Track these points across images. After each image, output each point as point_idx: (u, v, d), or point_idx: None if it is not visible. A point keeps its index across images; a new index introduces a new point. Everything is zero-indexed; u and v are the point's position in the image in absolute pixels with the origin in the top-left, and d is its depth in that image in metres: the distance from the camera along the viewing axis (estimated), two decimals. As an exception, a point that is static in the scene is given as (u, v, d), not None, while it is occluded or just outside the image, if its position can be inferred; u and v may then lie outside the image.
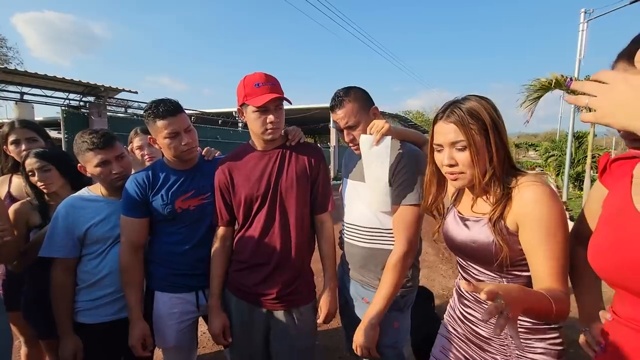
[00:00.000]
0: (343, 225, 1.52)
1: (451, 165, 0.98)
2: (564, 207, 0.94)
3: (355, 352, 1.33)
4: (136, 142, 2.13)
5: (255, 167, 1.41)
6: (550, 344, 0.97)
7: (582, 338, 0.90)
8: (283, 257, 1.39)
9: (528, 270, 0.95)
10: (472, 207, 1.04)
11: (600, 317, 0.87)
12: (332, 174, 13.69)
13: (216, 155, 1.69)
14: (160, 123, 1.40)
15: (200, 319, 1.66)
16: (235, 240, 1.48)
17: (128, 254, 1.45)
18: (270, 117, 1.34)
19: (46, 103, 8.27)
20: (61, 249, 1.44)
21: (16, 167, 1.84)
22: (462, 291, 1.14)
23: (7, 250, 1.36)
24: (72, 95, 8.37)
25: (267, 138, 1.38)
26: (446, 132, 0.97)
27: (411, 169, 1.29)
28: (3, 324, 1.35)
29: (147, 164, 2.04)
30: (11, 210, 1.57)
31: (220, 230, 1.48)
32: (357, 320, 1.38)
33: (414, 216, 1.28)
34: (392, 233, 1.34)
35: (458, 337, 1.14)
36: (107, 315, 1.50)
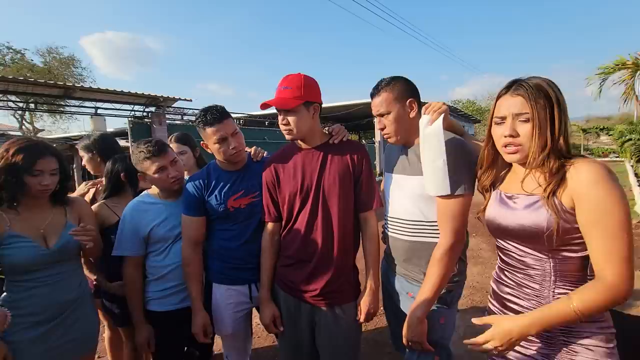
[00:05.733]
0: (386, 220, 1.51)
1: (512, 136, 0.98)
2: (621, 186, 0.88)
3: (406, 346, 1.32)
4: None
5: (299, 165, 1.47)
6: (599, 327, 0.92)
7: None
8: (325, 254, 1.42)
9: (580, 251, 0.92)
10: (521, 185, 1.02)
11: None
12: (377, 170, 13.48)
13: (264, 155, 1.77)
14: (209, 130, 1.51)
15: (255, 311, 1.75)
16: (282, 236, 1.54)
17: (189, 249, 1.59)
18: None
19: (115, 115, 9.23)
20: (129, 248, 1.63)
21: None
22: (500, 279, 1.11)
23: (96, 247, 1.57)
24: (136, 107, 9.22)
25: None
26: (511, 104, 0.99)
27: (457, 158, 1.22)
28: (92, 315, 1.60)
29: None
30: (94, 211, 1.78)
31: (269, 226, 1.56)
32: (401, 315, 1.38)
33: (460, 206, 1.22)
34: (435, 226, 1.31)
35: None
36: (173, 304, 1.67)
